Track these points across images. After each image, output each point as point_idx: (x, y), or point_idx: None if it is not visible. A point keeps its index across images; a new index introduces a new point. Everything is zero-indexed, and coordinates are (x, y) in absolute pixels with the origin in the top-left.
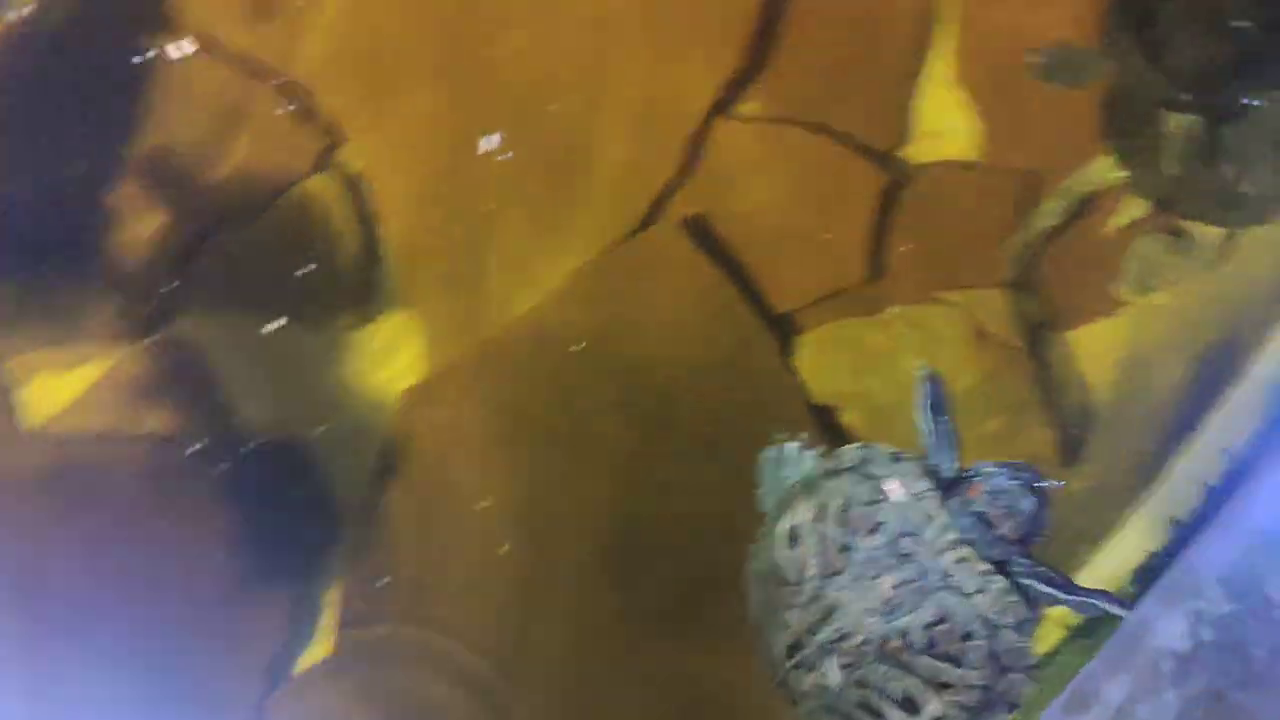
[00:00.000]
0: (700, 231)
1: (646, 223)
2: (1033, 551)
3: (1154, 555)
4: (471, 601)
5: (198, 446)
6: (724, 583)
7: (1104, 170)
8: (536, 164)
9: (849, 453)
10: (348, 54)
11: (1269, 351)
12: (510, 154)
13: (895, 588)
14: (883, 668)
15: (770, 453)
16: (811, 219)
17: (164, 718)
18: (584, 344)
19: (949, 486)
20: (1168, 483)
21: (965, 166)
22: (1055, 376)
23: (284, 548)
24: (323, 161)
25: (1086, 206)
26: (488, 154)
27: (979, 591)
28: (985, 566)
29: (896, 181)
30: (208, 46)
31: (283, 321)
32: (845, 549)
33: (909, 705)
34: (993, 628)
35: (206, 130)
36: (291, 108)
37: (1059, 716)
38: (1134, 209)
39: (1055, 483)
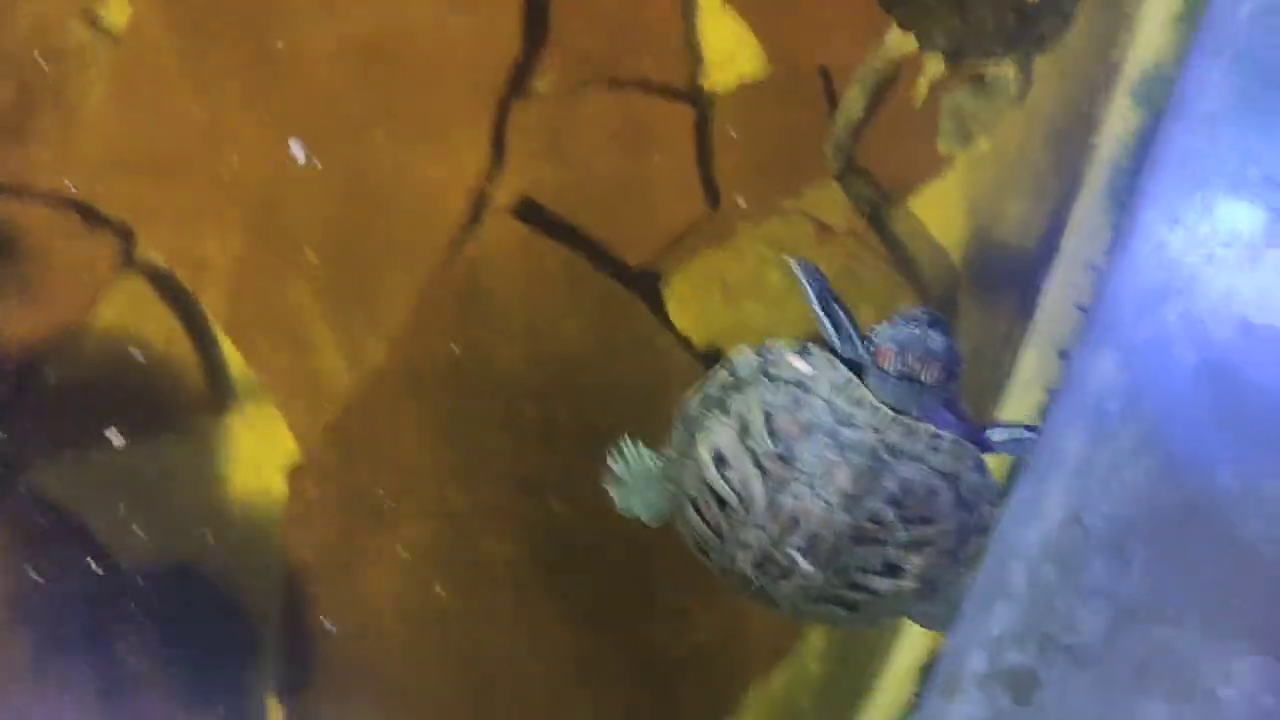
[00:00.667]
0: (531, 213)
1: (474, 222)
2: (956, 386)
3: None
4: (420, 648)
5: (92, 591)
6: (664, 552)
7: (896, 43)
8: (345, 194)
9: (743, 362)
10: (120, 148)
11: (1098, 161)
12: (318, 164)
13: (852, 480)
14: (860, 549)
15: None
16: (636, 170)
17: None
18: (456, 359)
19: (860, 364)
20: (1045, 316)
21: (762, 81)
22: (909, 249)
23: (212, 665)
24: (120, 263)
25: (888, 81)
26: (298, 171)
27: (932, 450)
28: (927, 426)
29: (704, 113)
30: None
31: (121, 443)
32: (784, 458)
33: (892, 570)
34: (953, 477)
35: None
36: (74, 219)
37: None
38: (932, 69)
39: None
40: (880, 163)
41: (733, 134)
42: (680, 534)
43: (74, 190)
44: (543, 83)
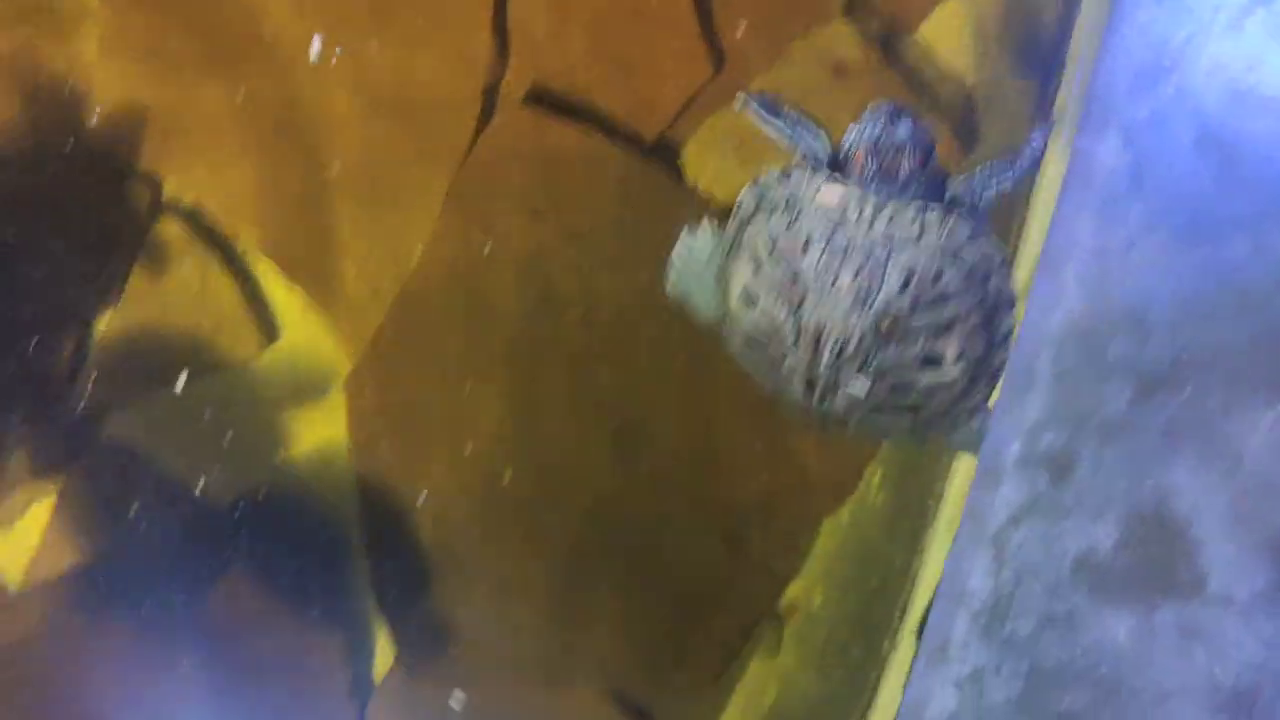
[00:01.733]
0: (542, 99)
1: (489, 117)
2: (939, 166)
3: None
4: (498, 531)
5: (184, 529)
6: (719, 406)
7: None
8: (361, 104)
9: (744, 200)
10: (128, 93)
11: None
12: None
13: (855, 278)
14: (891, 348)
15: (678, 249)
16: (639, 41)
17: None
18: (490, 247)
19: (839, 166)
20: (1064, 115)
21: None
22: (923, 76)
23: (313, 582)
24: (154, 211)
25: None
26: (313, 85)
27: (923, 232)
28: (912, 211)
29: None
30: None
31: (181, 386)
32: (794, 277)
33: (933, 361)
34: (954, 254)
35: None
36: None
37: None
38: None
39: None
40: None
41: None
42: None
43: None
44: None
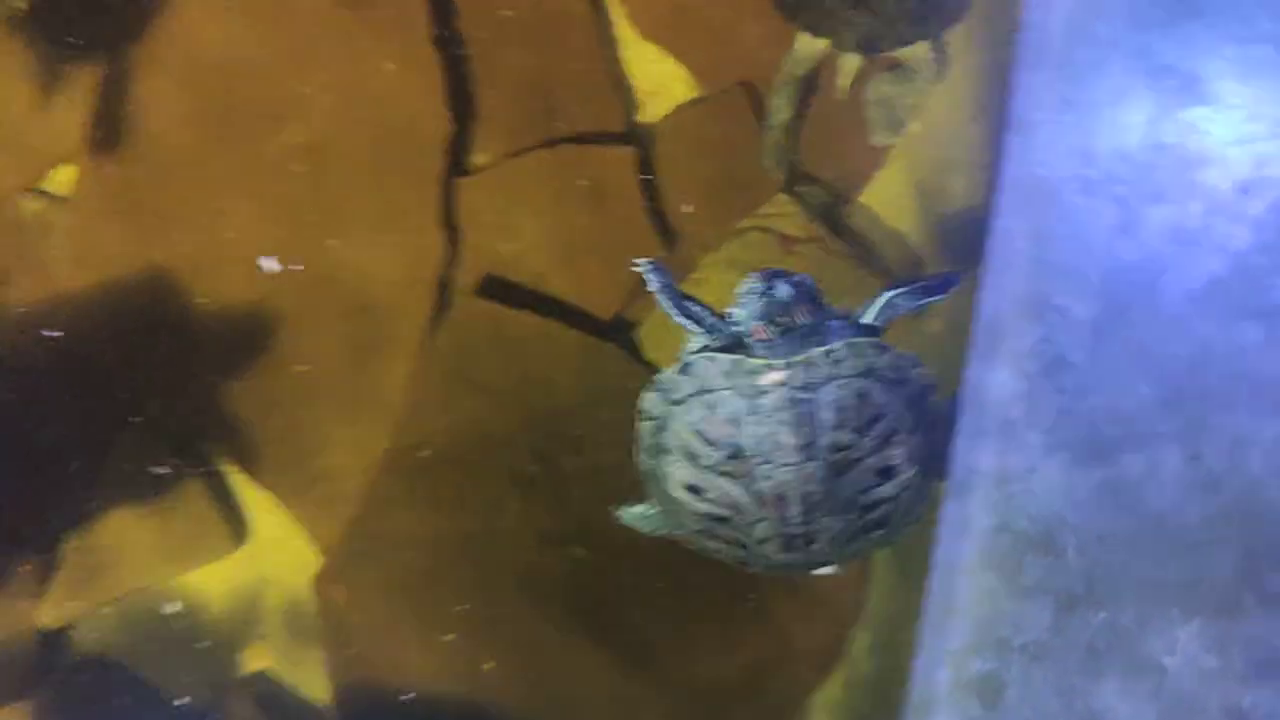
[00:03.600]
0: (495, 289)
1: (443, 309)
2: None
3: None
4: None
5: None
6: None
7: (806, 47)
8: (318, 301)
9: (650, 403)
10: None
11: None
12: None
13: (795, 433)
14: (848, 478)
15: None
16: (589, 223)
17: None
18: (454, 435)
19: (740, 342)
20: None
21: (693, 104)
22: (869, 241)
23: None
24: (121, 417)
25: (810, 86)
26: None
27: (835, 364)
28: (819, 354)
29: (644, 148)
30: None
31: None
32: (737, 453)
33: (887, 473)
34: (869, 372)
35: None
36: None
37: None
38: (848, 65)
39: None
40: (823, 166)
41: (678, 164)
42: (717, 559)
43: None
44: (481, 156)
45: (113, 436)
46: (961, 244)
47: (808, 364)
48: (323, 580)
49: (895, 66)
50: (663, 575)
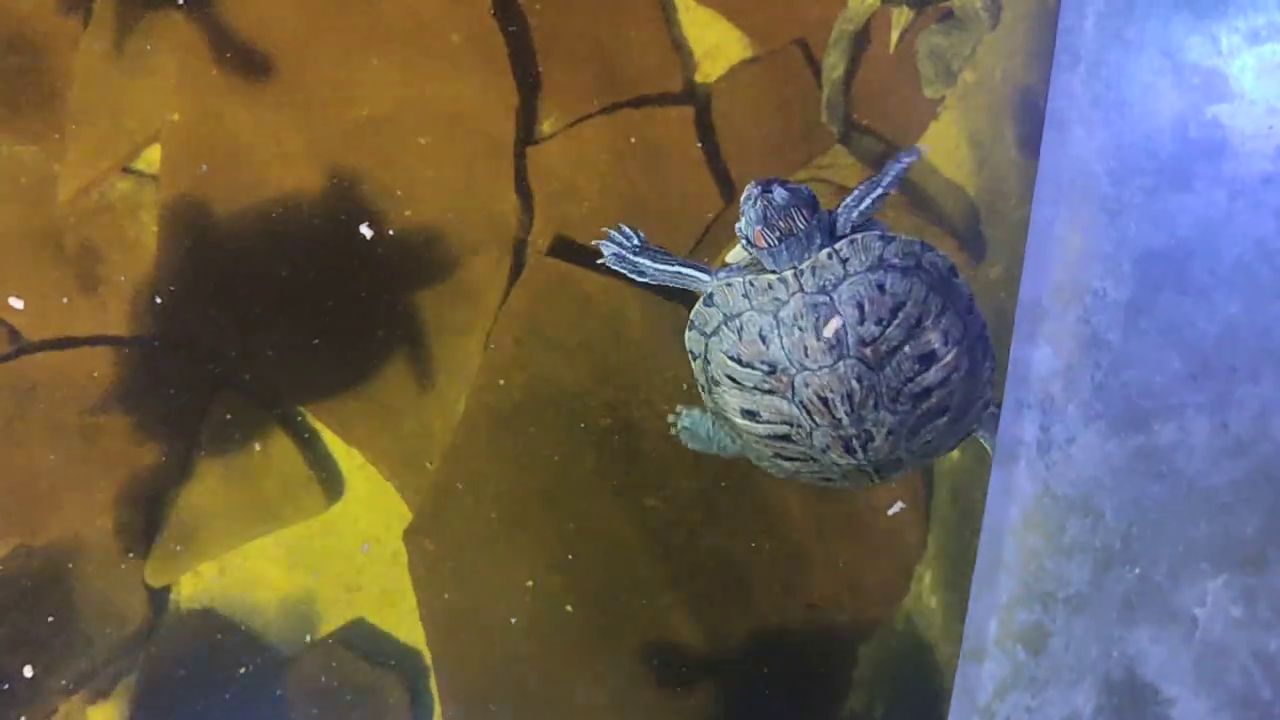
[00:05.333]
0: (565, 249)
1: (518, 272)
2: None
3: None
4: (561, 663)
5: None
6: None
7: (858, 3)
8: (403, 266)
9: (691, 340)
10: (184, 280)
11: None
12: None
13: (821, 336)
14: (888, 370)
15: (681, 430)
16: (651, 182)
17: None
18: (529, 392)
19: (753, 262)
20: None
21: (749, 63)
22: (926, 192)
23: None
24: (210, 388)
25: (862, 39)
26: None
27: (845, 264)
28: (825, 255)
29: (704, 107)
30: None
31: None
32: (772, 369)
33: (926, 360)
34: (882, 264)
35: None
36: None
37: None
38: (900, 18)
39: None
40: (878, 118)
41: (734, 121)
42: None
43: (157, 328)
44: (548, 124)
45: (209, 401)
46: (1017, 190)
47: (816, 267)
48: (412, 533)
49: (946, 17)
50: (730, 521)
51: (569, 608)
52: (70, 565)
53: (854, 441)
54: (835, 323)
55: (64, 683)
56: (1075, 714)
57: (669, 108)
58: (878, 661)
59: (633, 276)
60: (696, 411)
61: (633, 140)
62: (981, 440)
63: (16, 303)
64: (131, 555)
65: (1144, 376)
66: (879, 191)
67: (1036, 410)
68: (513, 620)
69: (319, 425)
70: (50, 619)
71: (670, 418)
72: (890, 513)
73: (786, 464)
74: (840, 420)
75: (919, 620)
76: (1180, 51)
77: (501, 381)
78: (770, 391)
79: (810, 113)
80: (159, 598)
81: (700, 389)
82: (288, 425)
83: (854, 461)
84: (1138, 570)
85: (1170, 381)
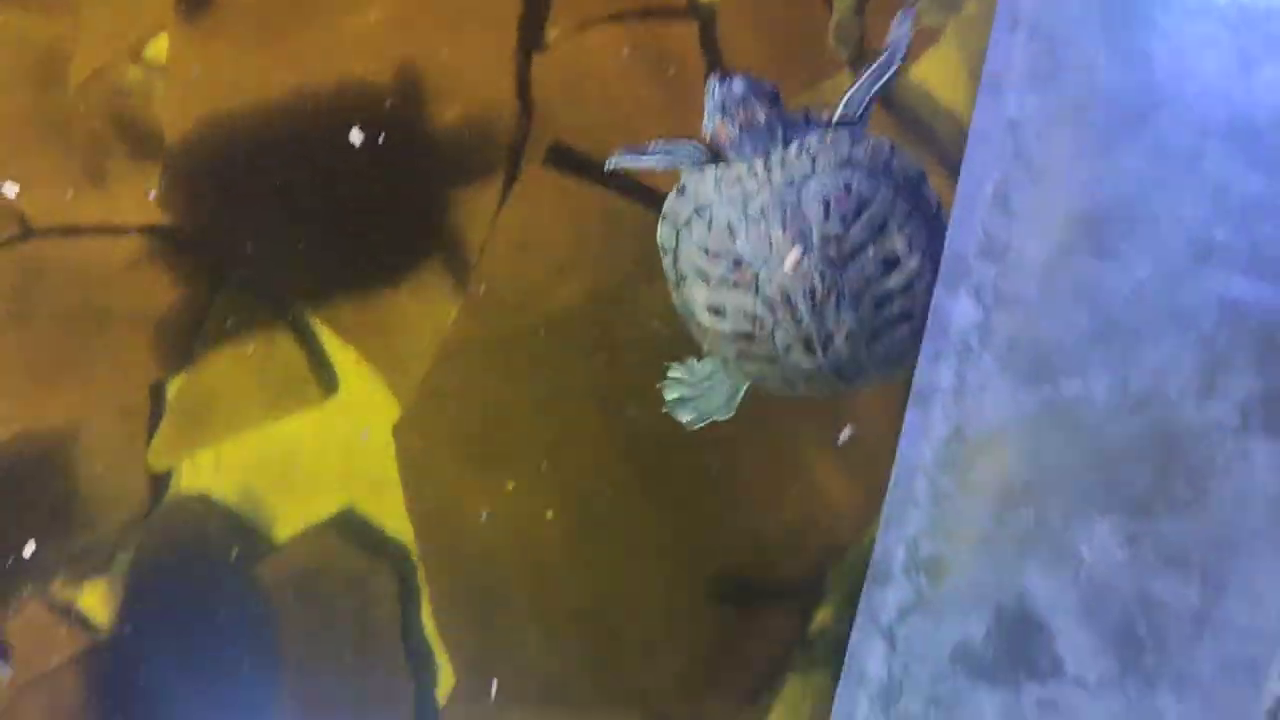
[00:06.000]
0: (562, 159)
1: (512, 180)
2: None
3: None
4: (541, 568)
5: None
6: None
7: None
8: (396, 169)
9: (662, 234)
10: (195, 173)
11: None
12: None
13: (784, 230)
14: (851, 269)
15: (673, 392)
16: (653, 96)
17: None
18: (520, 302)
19: (718, 156)
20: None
21: None
22: (921, 118)
23: (378, 609)
24: (214, 282)
25: None
26: (358, 155)
27: (814, 160)
28: (794, 149)
29: (707, 26)
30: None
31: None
32: (737, 263)
33: (891, 261)
34: (849, 163)
35: None
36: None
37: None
38: None
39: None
40: (881, 42)
41: (739, 41)
42: (779, 392)
43: (164, 219)
44: (552, 32)
45: (213, 293)
46: None
47: (785, 160)
48: (400, 429)
49: None
50: (710, 435)
51: (549, 513)
52: (73, 448)
53: (814, 340)
54: (795, 253)
55: (62, 560)
56: (968, 639)
57: (674, 21)
58: (847, 580)
59: (631, 158)
60: (682, 371)
61: (637, 52)
62: None
63: (11, 189)
64: (133, 440)
65: (1055, 333)
66: (894, 68)
67: (953, 357)
68: (494, 522)
69: (316, 323)
70: (52, 500)
71: (659, 384)
72: (840, 440)
73: (751, 366)
74: (801, 317)
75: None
76: (1120, 24)
77: (492, 291)
78: (735, 285)
79: (817, 36)
80: (158, 482)
81: (670, 286)
82: (287, 321)
83: (814, 363)
84: (1034, 512)
85: (1079, 339)
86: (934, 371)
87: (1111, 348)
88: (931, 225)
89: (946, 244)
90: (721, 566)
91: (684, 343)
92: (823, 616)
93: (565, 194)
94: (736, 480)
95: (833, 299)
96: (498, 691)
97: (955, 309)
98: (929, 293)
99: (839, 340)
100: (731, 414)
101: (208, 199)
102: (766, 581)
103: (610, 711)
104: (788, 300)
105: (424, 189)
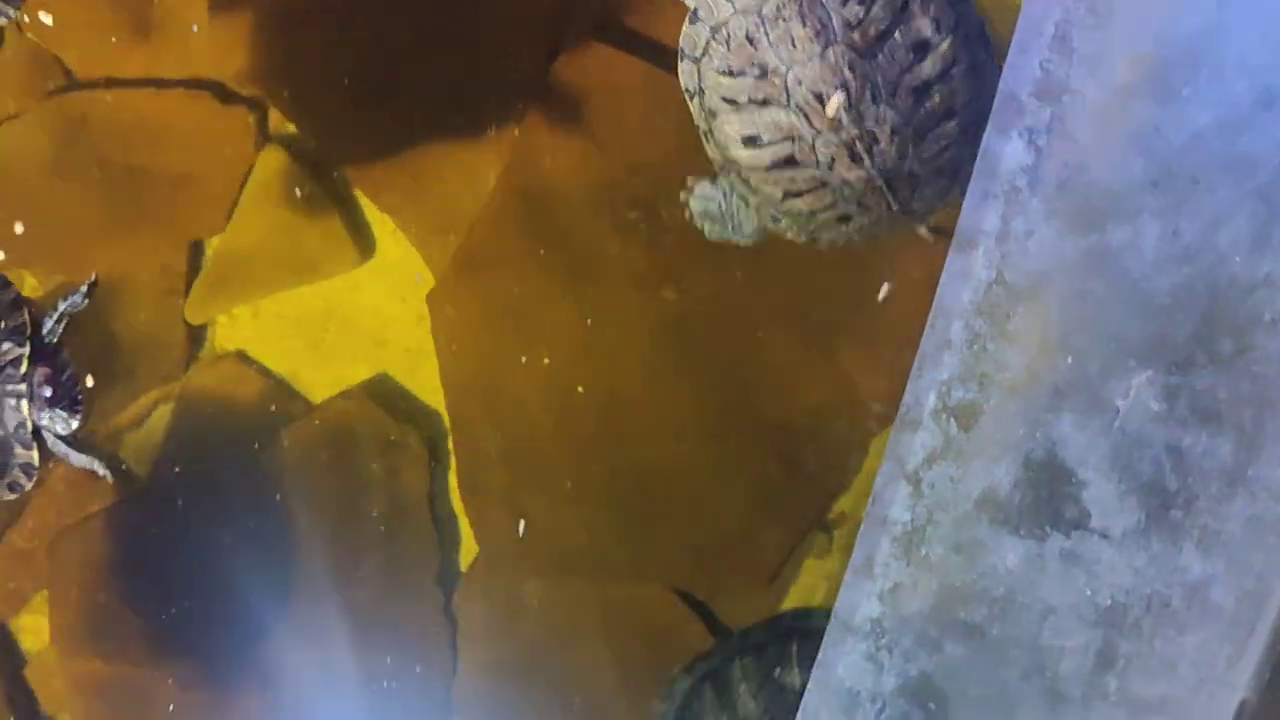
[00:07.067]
0: (608, 32)
1: (557, 51)
2: None
3: None
4: (571, 440)
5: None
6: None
7: None
8: (437, 34)
9: (683, 75)
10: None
11: None
12: None
13: (804, 25)
14: (879, 58)
15: (696, 209)
16: None
17: (375, 651)
18: (559, 175)
19: None
20: None
21: None
22: None
23: (404, 474)
24: (259, 138)
25: None
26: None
27: None
28: None
29: None
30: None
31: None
32: (763, 72)
33: (920, 46)
34: None
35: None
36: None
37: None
38: None
39: None
40: None
41: None
42: (816, 239)
43: (209, 73)
44: None
45: (255, 154)
46: None
47: None
48: (434, 298)
49: None
50: (742, 319)
51: (580, 389)
52: (113, 301)
53: (858, 145)
54: (838, 97)
55: (105, 410)
56: (995, 486)
57: None
58: (870, 470)
59: None
60: (706, 182)
61: None
62: None
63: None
64: (172, 296)
65: (1107, 179)
66: None
67: (1000, 201)
68: (525, 394)
69: (356, 189)
70: (92, 349)
71: (682, 195)
72: (880, 297)
73: (798, 203)
74: (840, 119)
75: None
76: None
77: (532, 162)
78: (766, 102)
79: None
80: (196, 335)
81: (703, 138)
82: (326, 184)
83: (863, 173)
84: (1071, 361)
85: (1132, 186)
86: (980, 214)
87: (1165, 196)
88: (956, 6)
89: (1001, 84)
90: (747, 450)
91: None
92: (843, 504)
93: (608, 66)
94: (766, 367)
95: (868, 93)
96: (521, 548)
97: (1006, 150)
98: (967, 84)
99: (884, 142)
100: (758, 240)
101: (255, 56)
102: (790, 467)
103: (630, 582)
104: (821, 101)
105: (470, 56)
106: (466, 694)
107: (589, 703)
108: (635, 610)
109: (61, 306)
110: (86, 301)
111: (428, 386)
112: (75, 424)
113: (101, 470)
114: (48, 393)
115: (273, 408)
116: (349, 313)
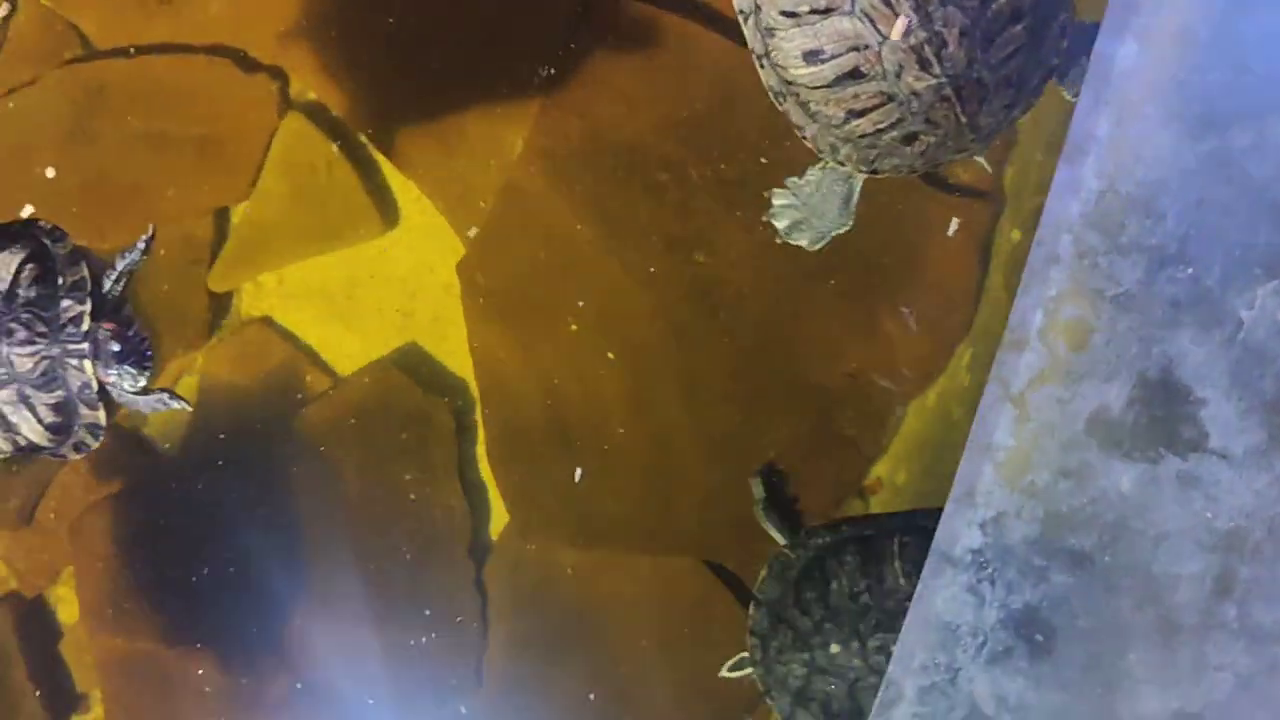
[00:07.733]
0: None
1: (587, 8)
2: None
3: None
4: (600, 408)
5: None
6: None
7: None
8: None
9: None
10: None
11: None
12: None
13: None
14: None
15: (786, 207)
16: None
17: (408, 619)
18: (588, 136)
19: None
20: None
21: None
22: None
23: (435, 448)
24: (281, 104)
25: None
26: None
27: None
28: None
29: None
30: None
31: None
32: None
33: None
34: None
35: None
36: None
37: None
38: None
39: None
40: None
41: None
42: (878, 167)
43: (221, 41)
44: None
45: (277, 121)
46: None
47: None
48: (464, 266)
49: None
50: (777, 282)
51: (610, 355)
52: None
53: (926, 49)
54: (901, 23)
55: None
56: (1106, 407)
57: None
58: (906, 434)
59: None
60: (778, 191)
61: None
62: (1065, 93)
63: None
64: (196, 264)
65: (1229, 79)
66: None
67: (1113, 106)
68: (556, 361)
69: (379, 156)
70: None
71: (764, 217)
72: (949, 232)
73: (861, 123)
74: (907, 21)
75: (950, 399)
76: None
77: (561, 125)
78: (828, 10)
79: None
80: (220, 303)
81: (757, 63)
82: (350, 151)
83: (931, 80)
84: (1190, 271)
85: (1257, 83)
86: (1091, 121)
87: None
88: None
89: None
90: (780, 416)
91: (755, 187)
92: (879, 469)
93: (640, 23)
94: (800, 331)
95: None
96: (550, 516)
97: (1119, 53)
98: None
99: (952, 45)
100: (851, 222)
101: (277, 21)
102: (825, 433)
103: (660, 551)
104: (890, 11)
105: (501, 16)
106: (497, 665)
107: (624, 672)
108: (665, 580)
109: (120, 264)
110: (145, 256)
111: (456, 355)
112: (144, 380)
113: (175, 403)
114: (115, 348)
115: (299, 376)
116: (375, 281)
